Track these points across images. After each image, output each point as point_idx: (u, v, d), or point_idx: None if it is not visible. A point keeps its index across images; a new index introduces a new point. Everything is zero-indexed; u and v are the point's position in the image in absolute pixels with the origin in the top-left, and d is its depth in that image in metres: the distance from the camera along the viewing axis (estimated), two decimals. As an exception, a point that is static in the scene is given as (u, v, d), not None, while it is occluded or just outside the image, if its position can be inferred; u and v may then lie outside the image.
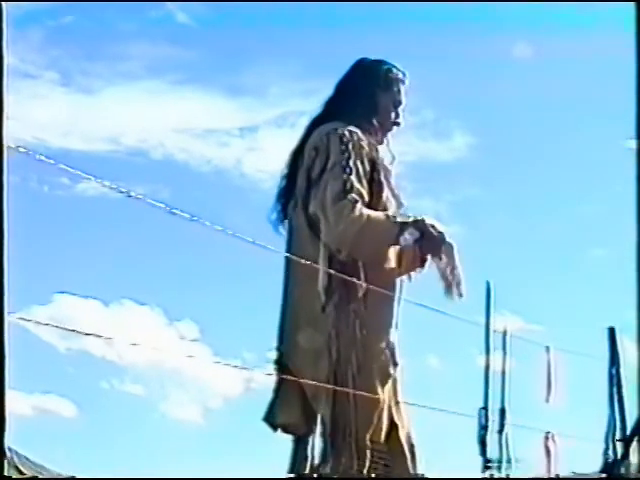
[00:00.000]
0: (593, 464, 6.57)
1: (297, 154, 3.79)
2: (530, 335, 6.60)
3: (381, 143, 3.84)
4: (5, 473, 1.89)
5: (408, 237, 3.52)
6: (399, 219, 3.53)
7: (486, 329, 6.10)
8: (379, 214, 3.51)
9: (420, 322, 4.69)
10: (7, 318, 1.90)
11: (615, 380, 6.51)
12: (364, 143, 3.63)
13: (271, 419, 3.76)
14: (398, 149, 4.09)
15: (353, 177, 3.48)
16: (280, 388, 3.71)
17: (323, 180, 3.51)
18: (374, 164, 3.63)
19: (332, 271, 3.53)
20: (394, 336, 3.74)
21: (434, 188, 4.61)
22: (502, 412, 6.16)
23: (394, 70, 3.90)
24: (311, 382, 3.55)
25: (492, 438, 6.21)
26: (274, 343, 3.83)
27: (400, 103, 3.88)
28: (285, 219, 3.81)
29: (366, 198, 3.51)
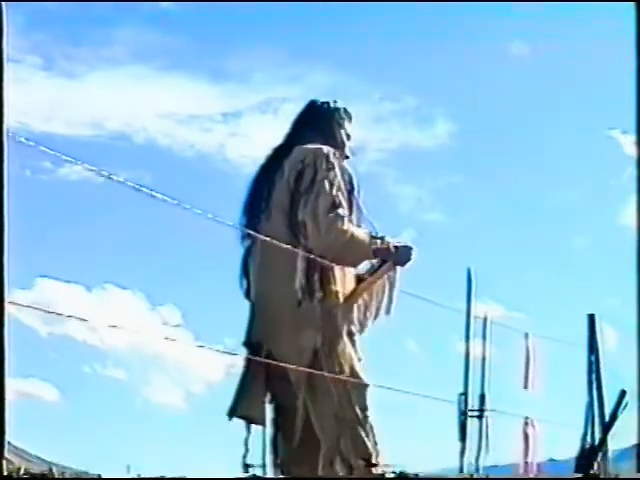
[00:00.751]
0: (571, 450, 6.62)
1: (267, 171, 4.20)
2: (511, 322, 6.63)
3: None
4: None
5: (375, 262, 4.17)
6: (373, 243, 4.05)
7: (467, 316, 6.13)
8: (362, 233, 4.04)
9: (401, 308, 4.72)
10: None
11: (594, 367, 6.55)
12: (344, 163, 4.14)
13: (237, 411, 4.10)
14: (380, 136, 4.29)
15: (340, 194, 3.99)
16: (246, 379, 4.07)
17: (313, 192, 3.95)
18: (352, 183, 4.12)
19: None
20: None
21: (416, 175, 4.70)
22: (482, 398, 6.19)
23: (343, 110, 4.36)
24: (298, 368, 3.87)
25: (472, 423, 6.26)
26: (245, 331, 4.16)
27: (350, 137, 4.33)
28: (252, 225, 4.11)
29: (347, 212, 4.02)
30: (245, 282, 4.19)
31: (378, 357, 4.95)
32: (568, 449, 6.71)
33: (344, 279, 4.10)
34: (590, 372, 6.58)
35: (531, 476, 6.16)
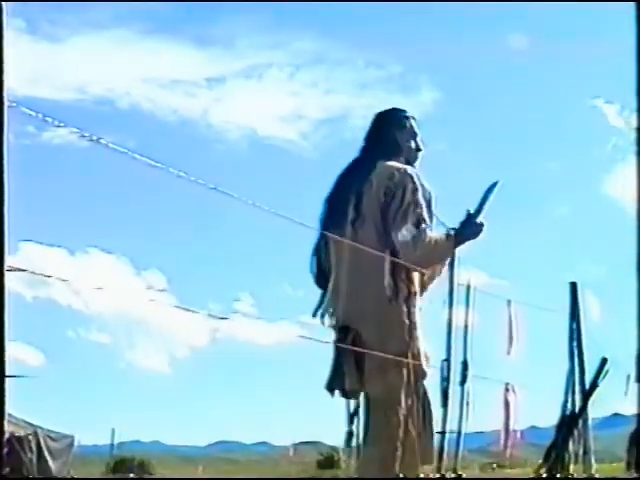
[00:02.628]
0: (554, 417, 6.68)
1: (353, 181, 4.80)
2: (494, 290, 6.66)
3: None
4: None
5: None
6: (450, 237, 4.82)
7: (450, 283, 6.16)
8: (440, 236, 4.78)
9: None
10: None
11: (575, 334, 6.59)
12: (423, 181, 4.79)
13: (338, 385, 4.71)
14: (365, 102, 4.47)
15: (423, 211, 4.69)
16: (339, 358, 4.69)
17: (401, 213, 4.66)
18: (430, 196, 4.78)
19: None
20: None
21: None
22: (464, 364, 6.23)
23: (404, 113, 5.02)
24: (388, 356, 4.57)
25: (454, 390, 6.30)
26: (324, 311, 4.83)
27: (416, 134, 5.00)
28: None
29: (429, 223, 4.73)
30: (318, 272, 4.89)
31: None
32: (550, 416, 6.78)
33: (418, 278, 4.85)
34: (571, 340, 6.62)
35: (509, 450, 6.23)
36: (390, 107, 5.09)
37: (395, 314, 4.70)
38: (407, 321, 4.73)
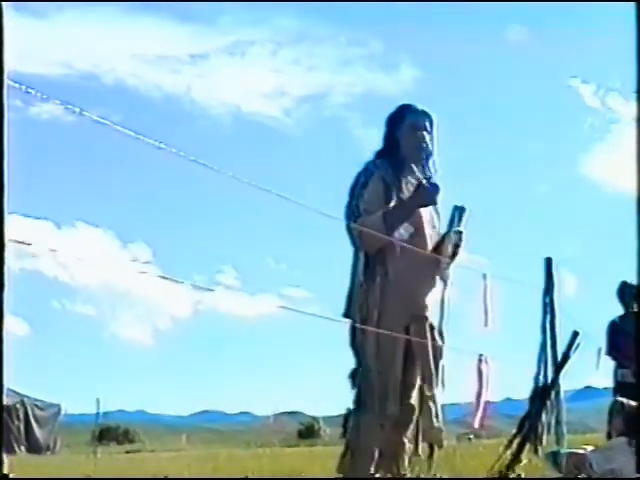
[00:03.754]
0: (527, 388, 6.80)
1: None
2: (472, 264, 6.78)
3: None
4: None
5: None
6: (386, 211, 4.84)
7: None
8: (373, 215, 4.80)
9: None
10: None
11: (548, 308, 6.71)
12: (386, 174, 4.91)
13: None
14: (347, 79, 4.57)
15: (365, 203, 4.81)
16: None
17: (355, 205, 4.91)
18: (392, 185, 4.86)
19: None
20: None
21: (380, 120, 4.83)
22: (439, 335, 6.35)
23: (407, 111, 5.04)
24: None
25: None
26: None
27: (417, 129, 5.00)
28: None
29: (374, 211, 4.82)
30: None
31: (341, 297, 5.11)
32: (525, 388, 6.91)
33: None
34: (545, 313, 6.74)
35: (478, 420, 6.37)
36: (401, 105, 5.14)
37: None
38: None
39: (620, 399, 6.57)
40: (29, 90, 2.40)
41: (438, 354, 4.98)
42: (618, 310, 8.79)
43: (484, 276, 6.24)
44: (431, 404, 4.92)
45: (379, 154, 5.01)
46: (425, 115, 5.04)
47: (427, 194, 4.79)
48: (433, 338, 4.94)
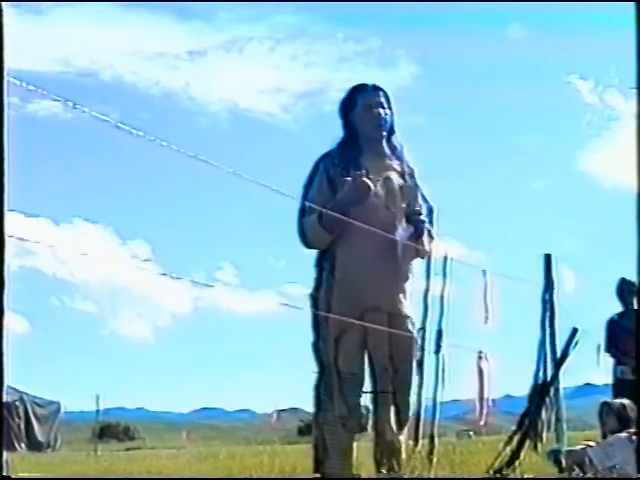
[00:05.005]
0: (527, 385, 6.80)
1: None
2: (471, 261, 6.77)
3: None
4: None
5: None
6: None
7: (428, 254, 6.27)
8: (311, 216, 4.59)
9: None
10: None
11: (548, 305, 6.70)
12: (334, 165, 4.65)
13: None
14: (344, 76, 4.48)
15: (314, 200, 4.56)
16: None
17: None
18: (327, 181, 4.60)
19: None
20: None
21: None
22: (439, 333, 6.36)
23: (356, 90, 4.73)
24: None
25: (429, 358, 6.43)
26: None
27: (371, 107, 4.65)
28: None
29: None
30: None
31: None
32: (525, 385, 6.90)
33: None
34: (544, 310, 6.73)
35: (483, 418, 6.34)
36: (351, 87, 4.80)
37: None
38: None
39: (607, 400, 6.56)
40: (30, 87, 2.39)
41: (407, 347, 4.56)
42: (617, 307, 8.78)
43: (484, 273, 6.25)
44: (386, 404, 4.54)
45: (340, 144, 4.74)
46: (376, 91, 4.72)
47: (354, 195, 4.44)
48: (408, 331, 4.59)
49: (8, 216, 2.28)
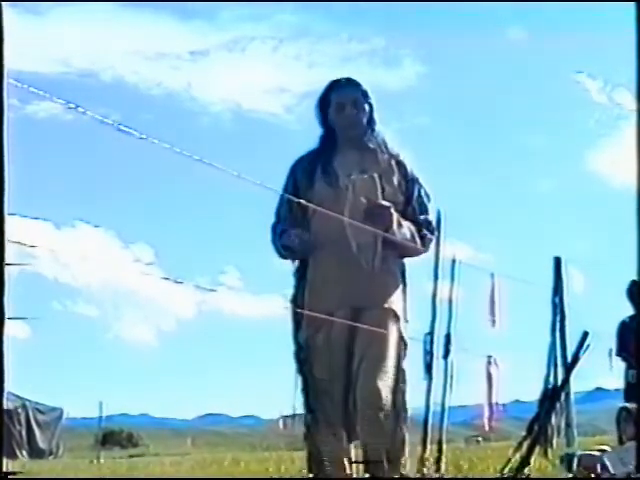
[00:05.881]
0: (536, 390, 6.73)
1: None
2: (479, 263, 6.70)
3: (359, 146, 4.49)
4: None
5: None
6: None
7: (435, 256, 6.20)
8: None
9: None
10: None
11: (558, 309, 6.62)
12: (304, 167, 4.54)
13: None
14: (348, 75, 4.40)
15: (282, 208, 4.54)
16: None
17: None
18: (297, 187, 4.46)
19: None
20: None
21: (382, 116, 4.63)
22: (447, 338, 6.28)
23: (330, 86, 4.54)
24: None
25: (438, 363, 6.35)
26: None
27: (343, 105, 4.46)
28: None
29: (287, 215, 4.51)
30: None
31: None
32: (534, 390, 6.83)
33: None
34: (554, 314, 6.66)
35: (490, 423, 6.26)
36: (327, 84, 4.59)
37: None
38: None
39: (626, 405, 6.48)
40: (32, 89, 2.34)
41: (377, 335, 4.22)
42: (628, 309, 8.69)
43: (492, 275, 6.17)
44: (351, 410, 4.25)
45: (319, 141, 4.59)
46: (350, 87, 4.51)
47: (298, 249, 4.40)
48: (383, 320, 4.28)
49: (8, 220, 2.21)
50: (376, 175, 4.30)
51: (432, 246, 5.98)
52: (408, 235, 4.39)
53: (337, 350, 4.27)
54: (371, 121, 4.53)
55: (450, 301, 5.45)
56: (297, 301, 4.39)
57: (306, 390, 4.34)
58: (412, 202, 4.48)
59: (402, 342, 4.35)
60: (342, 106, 4.47)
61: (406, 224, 4.37)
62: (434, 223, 4.60)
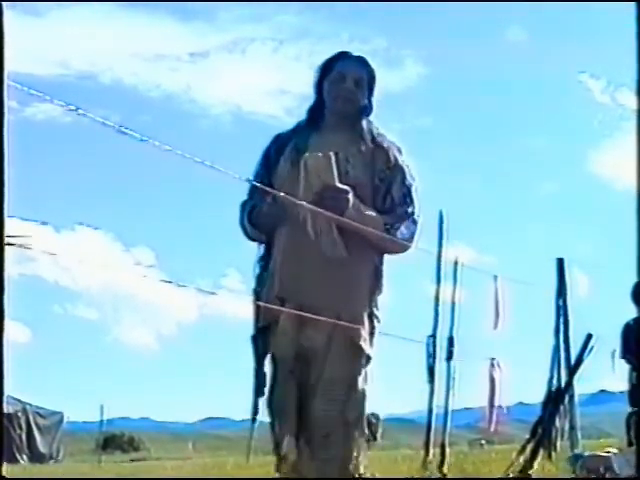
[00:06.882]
0: (539, 392, 6.70)
1: None
2: (482, 265, 6.67)
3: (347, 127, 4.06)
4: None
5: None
6: None
7: (438, 258, 6.17)
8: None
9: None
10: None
11: (562, 311, 6.60)
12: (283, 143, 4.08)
13: None
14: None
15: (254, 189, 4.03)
16: None
17: None
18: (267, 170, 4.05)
19: None
20: None
21: (383, 117, 4.43)
22: (450, 340, 6.25)
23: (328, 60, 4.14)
24: None
25: (441, 366, 6.32)
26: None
27: (339, 78, 4.06)
28: None
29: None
30: None
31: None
32: (537, 392, 6.80)
33: None
34: (558, 316, 6.64)
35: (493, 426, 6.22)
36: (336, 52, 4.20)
37: None
38: None
39: (637, 410, 6.45)
40: (32, 92, 2.31)
41: (324, 343, 3.74)
42: (632, 312, 8.65)
43: (495, 278, 6.14)
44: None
45: (306, 113, 4.14)
46: (358, 63, 4.13)
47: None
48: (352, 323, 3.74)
49: (8, 222, 2.18)
50: (332, 154, 3.81)
51: (435, 248, 5.95)
52: (373, 224, 3.86)
53: (284, 347, 3.81)
54: (368, 106, 4.12)
55: (453, 304, 5.42)
56: (257, 289, 3.93)
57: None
58: (392, 190, 3.99)
59: (357, 353, 3.76)
60: (343, 77, 4.08)
61: (370, 212, 3.86)
62: (417, 216, 4.04)
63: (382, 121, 4.51)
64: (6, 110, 2.12)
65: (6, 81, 2.10)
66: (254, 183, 3.86)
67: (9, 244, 2.22)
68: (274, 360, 3.85)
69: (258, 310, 3.89)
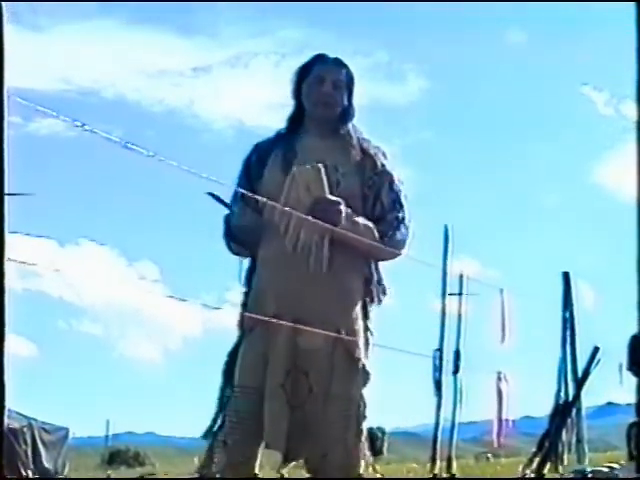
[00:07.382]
0: (546, 406, 6.68)
1: None
2: (487, 279, 6.65)
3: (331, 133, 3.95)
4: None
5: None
6: None
7: (443, 272, 6.16)
8: None
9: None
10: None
11: (568, 323, 6.58)
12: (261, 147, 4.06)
13: None
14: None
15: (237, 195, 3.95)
16: None
17: None
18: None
19: None
20: None
21: (386, 131, 4.38)
22: (457, 354, 6.23)
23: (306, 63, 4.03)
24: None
25: (447, 379, 6.30)
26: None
27: (318, 80, 3.94)
28: None
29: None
30: None
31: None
32: (544, 406, 6.77)
33: None
34: (564, 328, 6.62)
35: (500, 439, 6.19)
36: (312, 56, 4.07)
37: None
38: None
39: (637, 421, 6.41)
40: (38, 107, 2.31)
41: (321, 358, 3.62)
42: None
43: (501, 291, 6.12)
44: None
45: (286, 123, 4.06)
46: (336, 65, 4.00)
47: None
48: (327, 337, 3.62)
49: (11, 239, 2.16)
50: (321, 166, 3.71)
51: (441, 260, 5.93)
52: (367, 234, 3.76)
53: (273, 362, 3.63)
54: (348, 110, 3.99)
55: (459, 317, 5.40)
56: (244, 306, 3.82)
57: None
58: (381, 197, 3.86)
59: (356, 367, 3.65)
60: (321, 80, 3.95)
61: (363, 222, 3.75)
62: (408, 221, 3.87)
63: (385, 135, 4.54)
64: (6, 125, 2.11)
65: (6, 96, 2.10)
66: (244, 192, 3.76)
67: (10, 259, 2.20)
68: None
69: (242, 323, 3.79)
